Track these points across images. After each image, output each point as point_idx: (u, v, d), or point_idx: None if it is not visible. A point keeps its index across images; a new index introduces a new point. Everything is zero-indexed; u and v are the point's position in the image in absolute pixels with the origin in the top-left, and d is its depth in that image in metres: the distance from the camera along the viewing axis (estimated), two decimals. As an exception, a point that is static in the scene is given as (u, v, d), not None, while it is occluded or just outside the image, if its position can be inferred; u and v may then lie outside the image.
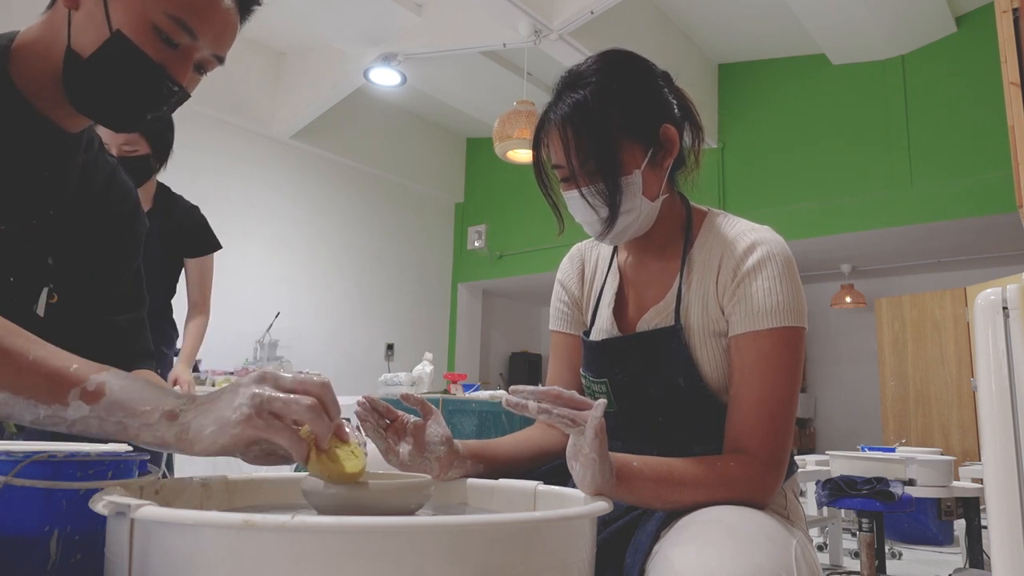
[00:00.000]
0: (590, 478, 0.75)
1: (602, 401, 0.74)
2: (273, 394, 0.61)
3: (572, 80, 0.99)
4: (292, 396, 0.62)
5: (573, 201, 1.00)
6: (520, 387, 0.77)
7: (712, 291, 0.98)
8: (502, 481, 0.89)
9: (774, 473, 0.88)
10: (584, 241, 1.19)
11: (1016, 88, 2.61)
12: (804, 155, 5.82)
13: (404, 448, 0.89)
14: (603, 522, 0.87)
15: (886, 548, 3.57)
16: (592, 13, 4.32)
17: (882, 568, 3.03)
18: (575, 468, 0.76)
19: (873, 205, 5.44)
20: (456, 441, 0.92)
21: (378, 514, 0.64)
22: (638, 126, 0.97)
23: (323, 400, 0.63)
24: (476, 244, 7.64)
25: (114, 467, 0.69)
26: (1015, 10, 2.66)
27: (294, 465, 0.67)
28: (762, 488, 0.87)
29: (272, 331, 5.72)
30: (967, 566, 2.95)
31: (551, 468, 1.03)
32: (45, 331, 0.70)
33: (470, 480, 0.92)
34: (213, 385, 3.87)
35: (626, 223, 0.99)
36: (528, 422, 1.02)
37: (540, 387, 0.77)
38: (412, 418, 0.92)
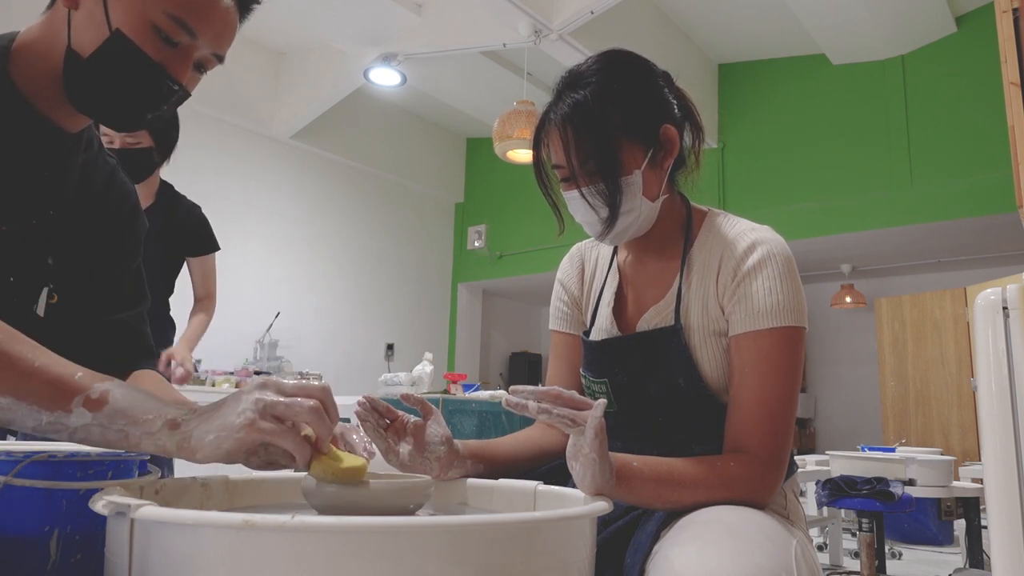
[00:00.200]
0: (590, 478, 0.75)
1: (602, 401, 0.74)
2: (276, 399, 0.62)
3: (572, 80, 0.99)
4: (295, 399, 0.62)
5: (573, 201, 1.00)
6: (520, 387, 0.77)
7: (712, 291, 0.98)
8: (502, 481, 0.89)
9: (774, 473, 0.88)
10: (584, 241, 1.19)
11: (1016, 88, 2.61)
12: (804, 155, 5.82)
13: (404, 448, 0.89)
14: (603, 522, 0.87)
15: (886, 548, 3.57)
16: (592, 13, 4.32)
17: (882, 568, 3.03)
18: (575, 468, 0.76)
19: (873, 205, 5.44)
20: (456, 441, 0.92)
21: (378, 514, 0.64)
22: (638, 126, 0.97)
23: (324, 403, 0.64)
24: (476, 244, 7.65)
25: (114, 467, 0.69)
26: (1015, 10, 2.66)
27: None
28: (762, 488, 0.87)
29: (272, 331, 5.72)
30: (967, 566, 2.95)
31: (551, 468, 1.03)
32: (45, 331, 0.70)
33: (470, 480, 0.92)
34: (213, 385, 3.86)
35: (626, 223, 0.99)
36: (528, 422, 1.02)
37: (540, 387, 0.77)
38: (412, 418, 0.92)
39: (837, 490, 2.90)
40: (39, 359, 0.63)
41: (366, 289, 6.87)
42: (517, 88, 5.18)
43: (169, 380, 1.94)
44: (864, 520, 2.81)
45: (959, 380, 5.68)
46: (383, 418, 0.90)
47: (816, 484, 3.18)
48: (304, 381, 0.65)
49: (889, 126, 5.46)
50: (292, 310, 6.00)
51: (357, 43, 5.32)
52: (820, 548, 3.84)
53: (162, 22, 0.82)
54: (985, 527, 2.60)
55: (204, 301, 2.36)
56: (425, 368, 3.91)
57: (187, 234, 2.26)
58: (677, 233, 1.06)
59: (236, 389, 0.62)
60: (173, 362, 2.03)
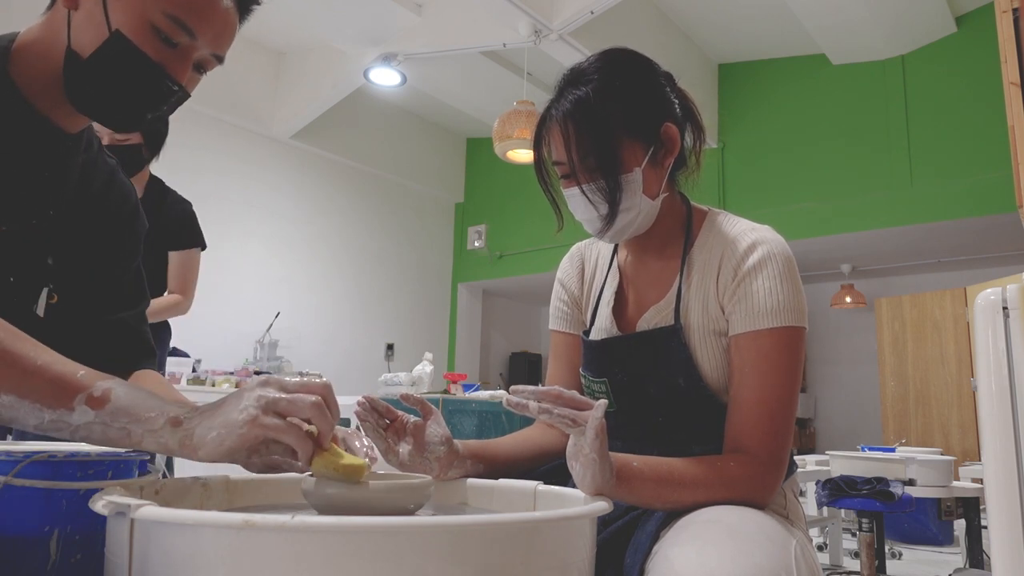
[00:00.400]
0: (590, 478, 0.75)
1: (603, 402, 0.74)
2: (278, 395, 0.62)
3: (574, 77, 0.99)
4: (297, 395, 0.63)
5: (573, 198, 1.00)
6: (521, 387, 0.77)
7: (712, 290, 0.98)
8: (502, 481, 0.89)
9: (774, 473, 0.88)
10: (584, 240, 1.19)
11: (1016, 88, 2.61)
12: (804, 155, 5.82)
13: (404, 448, 0.89)
14: (603, 522, 0.87)
15: (886, 548, 3.57)
16: (592, 13, 4.32)
17: (882, 568, 3.03)
18: (575, 468, 0.76)
19: (873, 205, 5.44)
20: (456, 441, 0.92)
21: (378, 514, 0.64)
22: (639, 124, 0.97)
23: (325, 399, 0.64)
24: (476, 244, 7.65)
25: (114, 467, 0.69)
26: (1015, 10, 2.66)
27: None
28: (762, 488, 0.87)
29: (272, 331, 5.72)
30: (967, 566, 2.95)
31: (551, 468, 1.03)
32: (45, 331, 0.70)
33: (470, 480, 0.91)
34: (213, 385, 3.86)
35: (626, 221, 0.99)
36: (528, 422, 1.02)
37: (541, 387, 0.77)
38: (412, 418, 0.92)
39: (837, 490, 2.90)
40: (41, 357, 0.63)
41: (366, 289, 6.88)
42: (517, 88, 5.18)
43: None
44: (864, 520, 2.81)
45: (959, 380, 5.68)
46: (383, 418, 0.90)
47: (816, 484, 3.18)
48: (306, 379, 0.66)
49: (889, 126, 5.46)
50: (292, 310, 6.00)
51: (357, 43, 5.32)
52: (820, 548, 3.84)
53: (161, 23, 0.82)
54: (985, 527, 2.60)
55: (176, 293, 2.21)
56: (425, 368, 3.91)
57: (172, 227, 2.20)
58: (677, 232, 1.06)
59: (236, 389, 0.63)
60: None
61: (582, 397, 0.77)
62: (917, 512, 3.70)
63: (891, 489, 2.78)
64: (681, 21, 5.66)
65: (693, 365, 0.97)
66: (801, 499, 1.07)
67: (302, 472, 0.64)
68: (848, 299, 6.93)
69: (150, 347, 1.10)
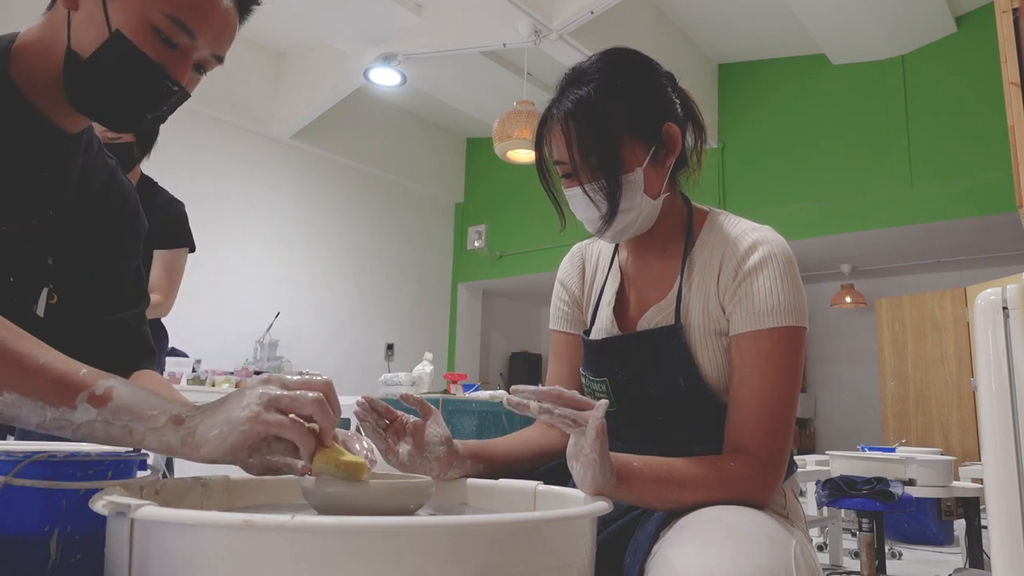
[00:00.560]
0: (590, 478, 0.75)
1: (604, 402, 0.74)
2: (280, 392, 0.63)
3: (576, 77, 0.99)
4: (298, 392, 0.63)
5: (574, 198, 1.00)
6: (521, 387, 0.77)
7: (713, 290, 0.98)
8: (502, 481, 0.89)
9: (774, 473, 0.88)
10: (585, 240, 1.19)
11: (1016, 88, 2.61)
12: (804, 155, 5.82)
13: (404, 448, 0.89)
14: (603, 522, 0.87)
15: (886, 548, 3.57)
16: (592, 13, 4.32)
17: (882, 568, 3.03)
18: (575, 468, 0.76)
19: (873, 205, 5.44)
20: (456, 441, 0.92)
21: (378, 514, 0.64)
22: (641, 124, 0.97)
23: (327, 396, 0.65)
24: (476, 244, 7.65)
25: (114, 467, 0.69)
26: (1015, 10, 2.66)
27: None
28: (762, 488, 0.87)
29: (272, 331, 5.72)
30: (967, 566, 2.95)
31: (551, 468, 1.03)
32: (45, 331, 0.70)
33: (470, 480, 0.92)
34: (213, 385, 3.86)
35: (626, 220, 0.99)
36: (528, 422, 1.02)
37: (541, 387, 0.77)
38: (412, 418, 0.92)
39: (837, 490, 2.90)
40: (43, 356, 0.63)
41: (366, 289, 6.88)
42: (517, 88, 5.18)
43: None
44: (864, 520, 2.81)
45: (959, 380, 5.68)
46: (382, 418, 0.90)
47: (816, 484, 3.18)
48: (307, 376, 0.66)
49: (889, 126, 5.46)
50: (292, 310, 6.00)
51: (357, 43, 5.32)
52: (820, 548, 3.84)
53: (161, 23, 0.82)
54: (985, 527, 2.60)
55: (157, 293, 2.09)
56: (425, 368, 3.91)
57: (159, 226, 2.10)
58: (678, 232, 1.06)
59: (236, 389, 0.63)
60: None
61: (583, 397, 0.77)
62: (917, 512, 3.70)
63: (891, 489, 2.78)
64: (681, 21, 5.66)
65: (693, 365, 0.97)
66: (801, 499, 1.07)
67: (301, 474, 0.64)
68: (848, 299, 6.93)
69: (150, 347, 1.10)
